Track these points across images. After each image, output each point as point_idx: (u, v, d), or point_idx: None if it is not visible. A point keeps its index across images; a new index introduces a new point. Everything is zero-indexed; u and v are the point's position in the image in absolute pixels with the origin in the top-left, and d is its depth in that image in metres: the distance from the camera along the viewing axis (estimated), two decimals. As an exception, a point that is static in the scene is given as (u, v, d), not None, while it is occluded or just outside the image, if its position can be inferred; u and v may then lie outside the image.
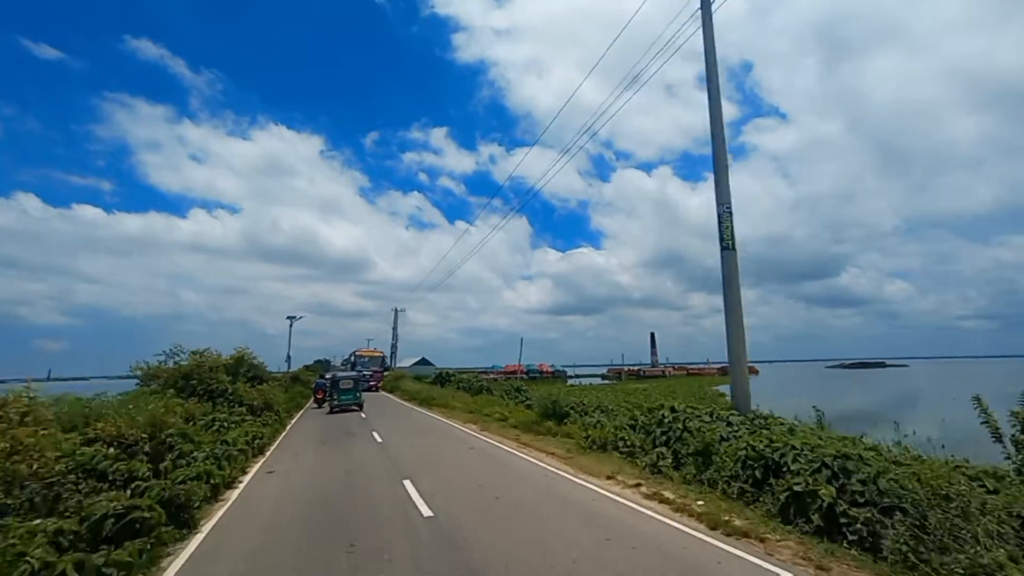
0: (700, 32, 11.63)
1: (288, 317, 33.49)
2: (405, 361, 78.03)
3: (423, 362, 75.08)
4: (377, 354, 48.42)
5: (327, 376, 31.27)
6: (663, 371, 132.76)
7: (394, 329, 57.93)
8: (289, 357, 33.01)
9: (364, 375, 36.00)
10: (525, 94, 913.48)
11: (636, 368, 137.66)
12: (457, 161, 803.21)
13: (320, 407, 25.64)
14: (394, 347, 57.00)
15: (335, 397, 23.82)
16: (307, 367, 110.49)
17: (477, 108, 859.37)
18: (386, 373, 44.52)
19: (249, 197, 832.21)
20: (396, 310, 57.80)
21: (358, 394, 24.73)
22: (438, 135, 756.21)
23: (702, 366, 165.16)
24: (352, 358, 45.65)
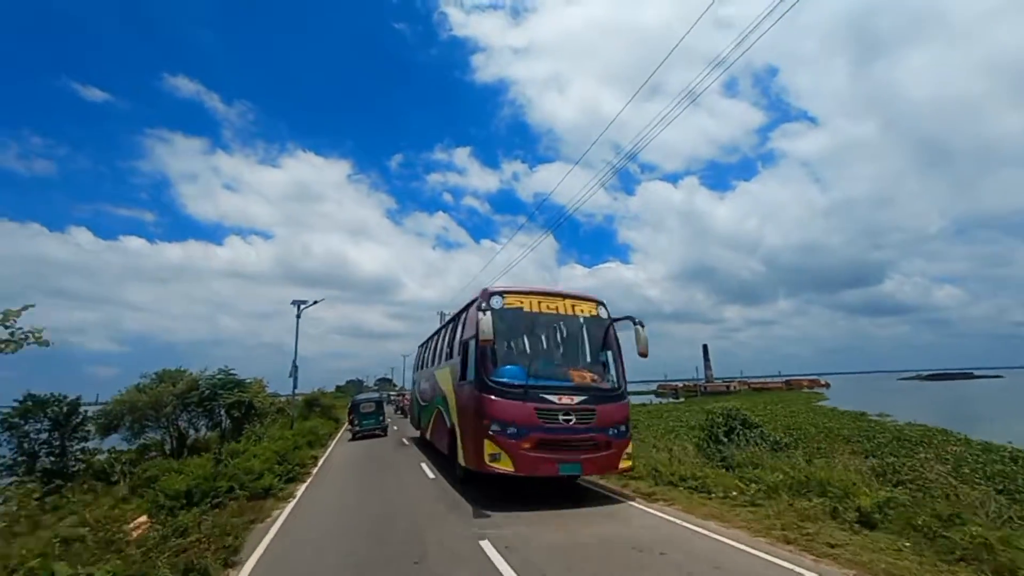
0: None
1: (294, 302, 22.25)
2: None
3: None
4: (587, 309, 9.59)
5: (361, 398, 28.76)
6: (727, 386, 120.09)
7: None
8: (295, 369, 21.74)
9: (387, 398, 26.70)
10: (546, 110, 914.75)
11: (693, 384, 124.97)
12: (481, 180, 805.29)
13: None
14: None
15: (356, 423, 22.18)
16: (339, 388, 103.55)
17: (499, 127, 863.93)
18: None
19: (281, 223, 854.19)
20: (442, 315, 47.69)
21: (381, 417, 22.70)
22: (461, 155, 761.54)
23: (766, 380, 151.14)
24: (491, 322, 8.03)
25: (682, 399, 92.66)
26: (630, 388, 9.45)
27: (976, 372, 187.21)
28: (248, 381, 19.89)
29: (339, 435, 24.22)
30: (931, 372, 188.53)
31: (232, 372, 19.95)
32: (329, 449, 17.97)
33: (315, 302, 21.41)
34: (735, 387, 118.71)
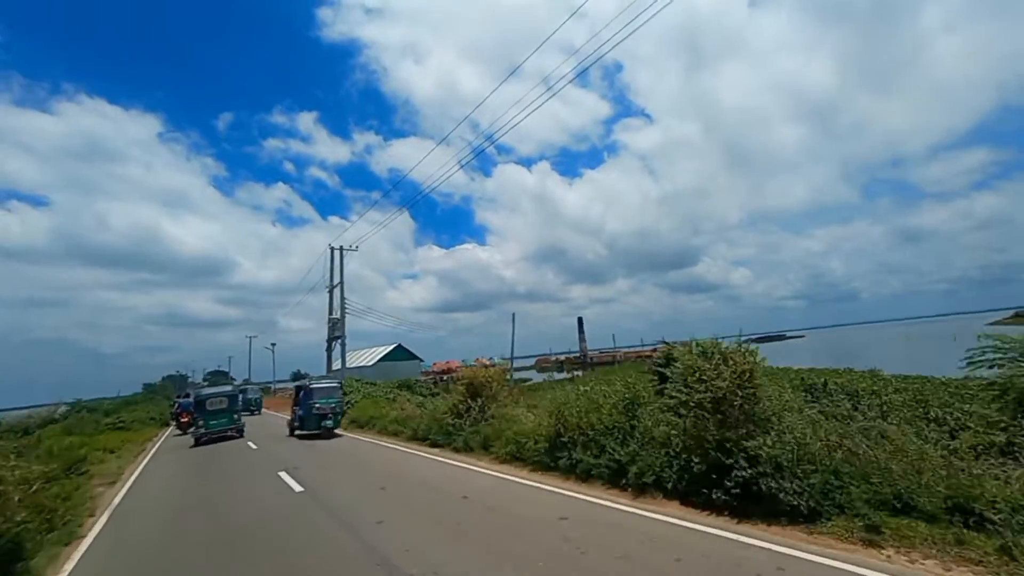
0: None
1: None
2: (363, 355, 48.60)
3: (400, 353, 46.09)
4: None
5: (181, 397, 26.19)
6: (613, 357, 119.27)
7: (333, 292, 29.61)
8: None
9: (240, 393, 22.64)
10: (402, 80, 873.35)
11: (575, 357, 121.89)
12: (329, 150, 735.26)
13: (185, 433, 21.06)
14: (336, 326, 28.90)
15: (201, 423, 18.18)
16: (148, 387, 76.15)
17: (350, 92, 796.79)
18: (341, 394, 18.65)
19: (60, 187, 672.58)
20: (338, 250, 29.69)
21: (235, 416, 19.11)
22: (306, 120, 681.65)
23: (639, 349, 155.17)
24: None
25: (572, 374, 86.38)
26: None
27: (787, 334, 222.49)
28: None
29: None
30: (757, 335, 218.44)
31: None
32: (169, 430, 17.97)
33: None
34: (620, 357, 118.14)
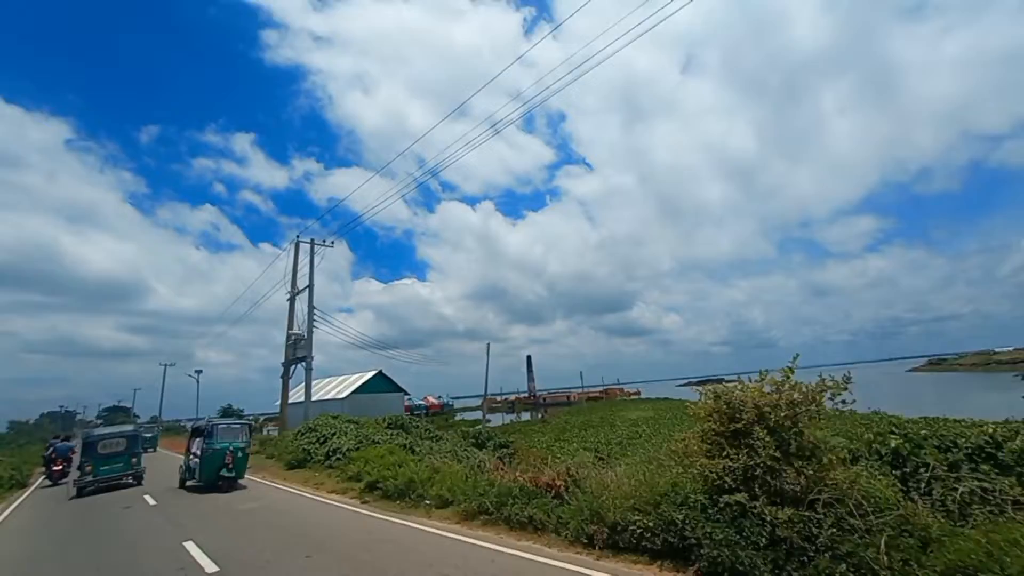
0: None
1: None
2: (330, 384, 38.83)
3: (380, 383, 36.83)
4: None
5: (59, 439, 21.76)
6: (567, 397, 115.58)
7: (294, 300, 22.28)
8: None
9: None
10: (348, 110, 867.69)
11: (527, 396, 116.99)
12: (266, 174, 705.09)
13: (56, 484, 18.15)
14: (299, 345, 21.41)
15: (89, 468, 15.41)
16: (13, 426, 61.44)
17: (292, 117, 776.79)
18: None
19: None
20: (305, 244, 22.50)
21: (134, 459, 16.53)
22: (242, 141, 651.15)
23: (588, 390, 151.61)
24: None
25: (519, 414, 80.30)
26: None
27: (724, 378, 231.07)
28: None
29: None
30: (700, 378, 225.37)
31: None
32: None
33: None
34: (575, 398, 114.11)
